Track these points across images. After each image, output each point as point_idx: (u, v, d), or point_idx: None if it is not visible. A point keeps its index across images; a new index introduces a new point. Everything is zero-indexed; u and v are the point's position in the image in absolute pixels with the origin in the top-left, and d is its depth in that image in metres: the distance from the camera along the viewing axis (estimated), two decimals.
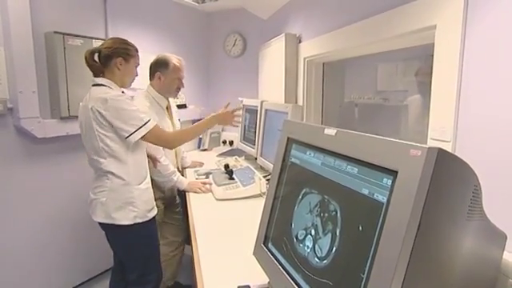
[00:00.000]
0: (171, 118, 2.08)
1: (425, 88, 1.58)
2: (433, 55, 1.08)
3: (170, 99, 2.11)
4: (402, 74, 1.90)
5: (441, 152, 0.47)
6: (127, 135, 1.47)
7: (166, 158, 1.89)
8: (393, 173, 0.52)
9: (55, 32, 1.97)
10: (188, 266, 2.56)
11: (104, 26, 2.36)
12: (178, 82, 1.98)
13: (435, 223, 0.50)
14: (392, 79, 1.94)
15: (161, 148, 1.87)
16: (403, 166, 0.50)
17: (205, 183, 1.94)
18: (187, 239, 2.35)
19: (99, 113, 1.44)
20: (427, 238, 0.49)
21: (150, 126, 1.52)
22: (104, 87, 1.51)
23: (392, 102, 1.96)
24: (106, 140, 1.47)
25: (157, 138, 1.57)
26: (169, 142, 1.67)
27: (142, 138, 1.50)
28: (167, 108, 2.04)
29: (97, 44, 2.15)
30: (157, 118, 1.84)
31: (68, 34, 2.03)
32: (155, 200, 1.92)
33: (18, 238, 1.97)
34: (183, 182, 1.93)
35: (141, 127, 1.49)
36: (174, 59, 1.95)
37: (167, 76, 1.93)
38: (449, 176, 0.49)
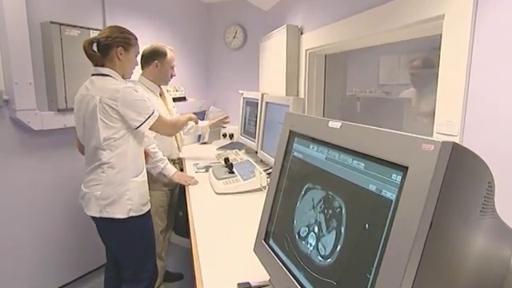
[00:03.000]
0: (166, 104, 2.13)
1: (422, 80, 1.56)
2: (437, 48, 1.04)
3: (165, 91, 2.19)
4: (404, 66, 1.86)
5: (455, 146, 0.44)
6: (138, 125, 1.50)
7: (155, 146, 1.90)
8: (403, 168, 0.49)
9: (52, 22, 1.93)
10: (178, 255, 2.61)
11: (102, 17, 2.31)
12: (172, 71, 2.07)
13: (448, 222, 0.47)
14: (394, 72, 1.91)
15: (152, 137, 1.88)
16: (414, 161, 0.47)
17: (192, 177, 1.95)
18: (175, 227, 2.39)
19: (108, 104, 1.42)
20: (439, 237, 0.46)
21: (156, 115, 1.57)
22: (110, 78, 1.49)
23: (394, 96, 1.93)
24: (110, 131, 1.45)
25: (162, 126, 1.65)
26: (171, 129, 1.78)
27: (154, 122, 1.55)
28: (161, 95, 2.10)
29: (94, 35, 2.10)
30: (155, 104, 1.92)
31: (65, 25, 1.98)
32: (163, 187, 1.97)
33: (12, 232, 1.95)
34: (171, 170, 1.92)
35: (149, 117, 1.53)
36: (168, 49, 2.04)
37: (164, 65, 2.01)
38: (463, 172, 0.46)
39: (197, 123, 2.21)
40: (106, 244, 1.71)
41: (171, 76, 2.09)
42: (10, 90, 1.80)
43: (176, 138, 2.15)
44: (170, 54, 2.02)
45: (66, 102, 2.02)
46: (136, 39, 1.60)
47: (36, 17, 1.92)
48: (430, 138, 0.46)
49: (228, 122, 2.53)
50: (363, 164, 0.58)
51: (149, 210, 1.63)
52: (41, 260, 2.11)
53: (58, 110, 2.01)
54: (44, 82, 2.00)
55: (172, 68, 2.06)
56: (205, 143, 3.09)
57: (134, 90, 1.51)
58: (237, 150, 2.53)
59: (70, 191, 2.19)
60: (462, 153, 0.46)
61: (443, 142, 0.44)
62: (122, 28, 1.56)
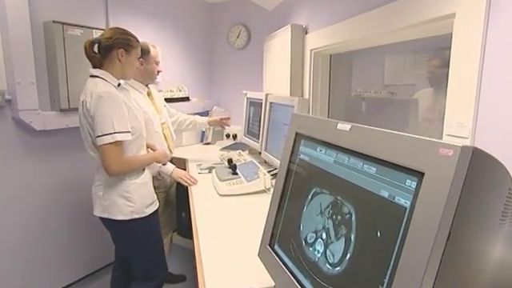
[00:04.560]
0: (154, 103, 2.06)
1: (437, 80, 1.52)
2: (444, 48, 1.01)
3: (156, 91, 2.16)
4: (410, 67, 1.83)
5: (476, 151, 0.42)
6: (95, 136, 1.39)
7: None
8: (418, 174, 0.46)
9: (54, 21, 1.91)
10: (179, 256, 2.60)
11: (105, 16, 2.29)
12: (157, 67, 2.01)
13: (467, 231, 0.44)
14: (399, 73, 1.88)
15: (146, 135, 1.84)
16: (431, 167, 0.44)
17: (192, 176, 1.91)
18: (178, 228, 2.36)
19: (86, 107, 1.39)
20: (457, 247, 0.43)
21: (117, 137, 1.37)
22: (98, 79, 1.44)
23: (399, 96, 1.89)
24: (94, 135, 1.42)
25: (111, 154, 1.39)
26: (118, 164, 1.42)
27: (103, 145, 1.37)
28: (148, 94, 2.04)
29: (97, 34, 2.09)
30: (142, 105, 1.83)
31: (67, 24, 1.97)
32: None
33: (15, 232, 1.94)
34: (169, 167, 1.89)
35: (108, 134, 1.36)
36: (150, 46, 1.97)
37: (149, 62, 1.95)
38: (483, 178, 0.44)
39: (165, 164, 1.88)
40: (114, 244, 1.70)
41: (158, 72, 2.03)
42: (13, 90, 1.79)
43: (166, 137, 2.09)
44: (153, 51, 1.97)
45: (69, 102, 2.01)
46: (137, 41, 1.56)
47: (38, 16, 1.91)
48: (448, 142, 0.43)
49: (228, 125, 2.46)
50: (375, 169, 0.55)
51: (155, 211, 1.61)
52: (45, 259, 2.09)
53: (61, 110, 1.99)
54: (46, 82, 1.99)
55: (157, 64, 2.00)
56: (208, 144, 3.07)
57: (117, 95, 1.40)
58: (240, 151, 2.51)
59: (73, 191, 2.17)
60: (482, 158, 0.43)
61: (463, 146, 0.41)
62: (124, 30, 1.53)
